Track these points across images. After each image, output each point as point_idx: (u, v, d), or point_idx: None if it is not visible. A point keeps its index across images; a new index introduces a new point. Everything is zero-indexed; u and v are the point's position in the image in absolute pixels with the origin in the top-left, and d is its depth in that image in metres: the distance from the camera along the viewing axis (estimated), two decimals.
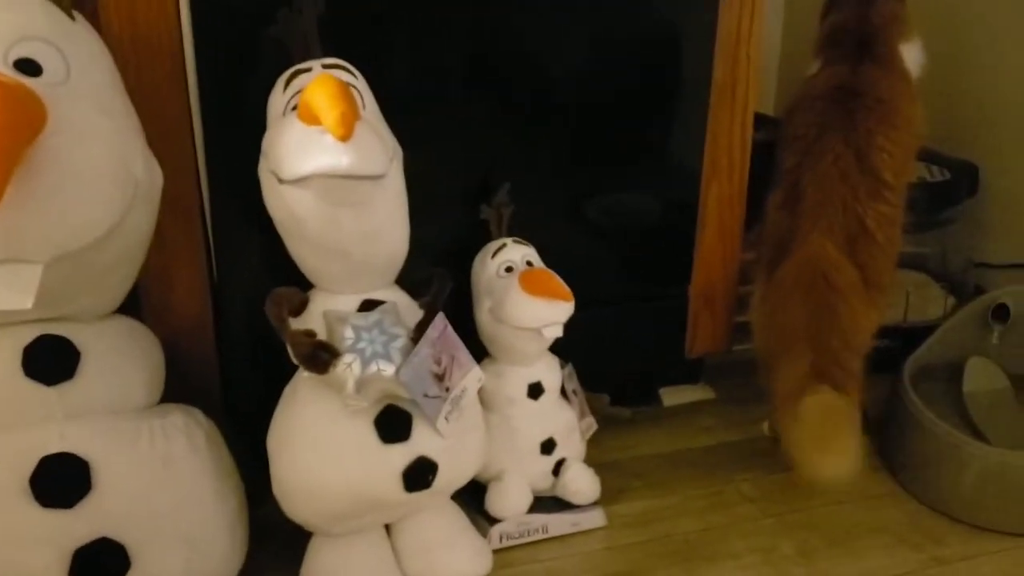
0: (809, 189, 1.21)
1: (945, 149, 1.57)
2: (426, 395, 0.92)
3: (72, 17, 0.87)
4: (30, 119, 0.77)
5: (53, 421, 0.86)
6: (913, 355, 1.36)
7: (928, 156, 1.51)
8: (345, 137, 0.82)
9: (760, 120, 1.36)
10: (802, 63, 1.36)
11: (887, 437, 1.32)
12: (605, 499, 1.19)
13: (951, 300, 1.55)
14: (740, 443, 1.37)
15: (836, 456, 1.07)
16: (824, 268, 1.17)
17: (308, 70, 0.92)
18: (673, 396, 1.46)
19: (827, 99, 1.25)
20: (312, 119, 0.85)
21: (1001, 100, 1.58)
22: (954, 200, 1.52)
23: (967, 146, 1.60)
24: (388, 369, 0.90)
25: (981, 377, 1.37)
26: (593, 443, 1.23)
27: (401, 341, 0.92)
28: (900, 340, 1.41)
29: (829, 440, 1.08)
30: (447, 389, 0.95)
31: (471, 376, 0.98)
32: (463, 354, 0.98)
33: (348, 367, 0.89)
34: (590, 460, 1.21)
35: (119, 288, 0.94)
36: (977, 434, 1.27)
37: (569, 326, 1.09)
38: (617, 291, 1.29)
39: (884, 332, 1.28)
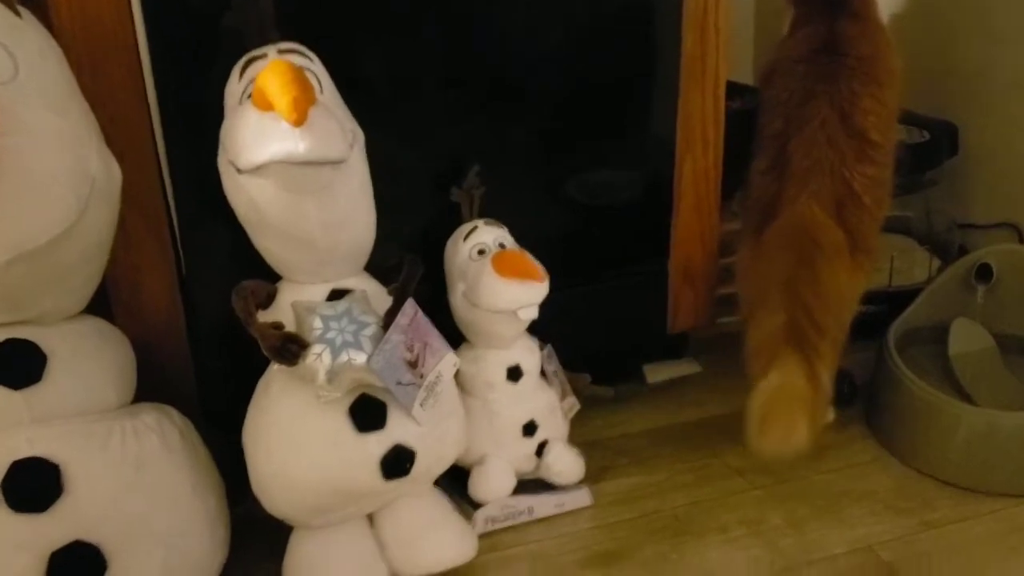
0: (795, 155, 1.20)
1: (923, 110, 1.55)
2: (399, 383, 0.91)
3: (18, 13, 0.86)
4: None
5: (21, 426, 0.85)
6: (898, 320, 1.35)
7: (906, 118, 1.49)
8: (298, 122, 0.81)
9: (735, 89, 1.34)
10: (778, 31, 1.34)
11: (874, 403, 1.31)
12: (591, 478, 1.19)
13: (936, 262, 1.54)
14: (727, 416, 1.35)
15: (775, 439, 1.06)
16: (810, 228, 1.16)
17: (263, 56, 0.90)
18: (657, 372, 1.45)
19: (808, 61, 1.22)
20: (266, 105, 0.83)
21: (978, 58, 1.57)
22: (935, 161, 1.51)
23: (946, 107, 1.58)
24: (359, 358, 0.89)
25: (966, 338, 1.36)
26: (578, 423, 1.22)
27: (371, 329, 0.91)
28: (886, 305, 1.41)
29: (772, 422, 1.07)
30: (421, 376, 0.93)
31: (445, 362, 0.97)
32: (436, 339, 0.97)
33: (318, 357, 0.88)
34: (575, 440, 1.20)
35: (83, 289, 0.93)
36: (964, 396, 1.26)
37: (548, 306, 1.08)
38: (596, 269, 1.27)
39: (869, 297, 1.27)
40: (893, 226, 1.57)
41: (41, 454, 0.84)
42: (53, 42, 0.89)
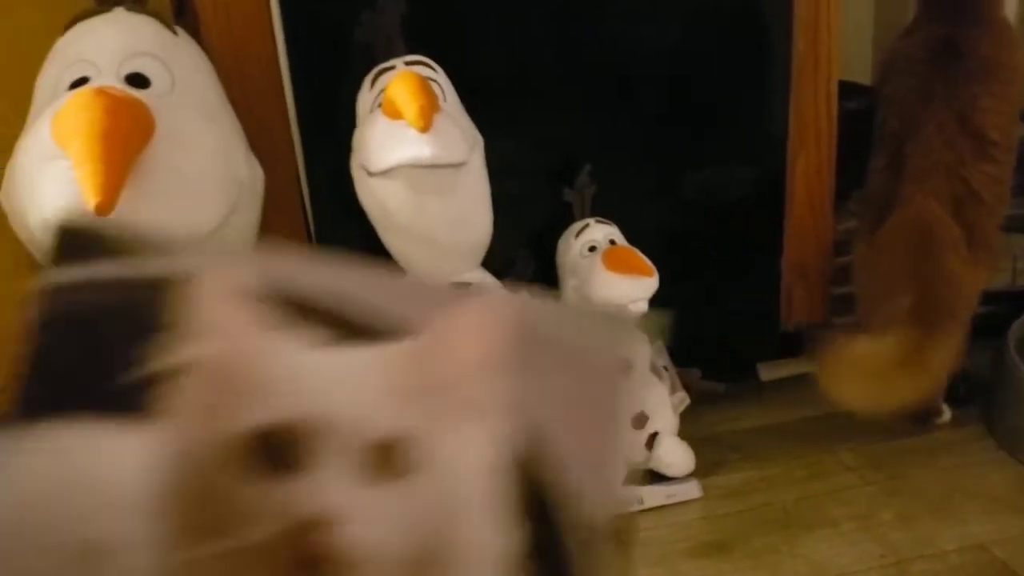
0: (912, 156, 1.20)
1: None
2: None
3: (175, 32, 0.95)
4: (140, 129, 0.84)
5: None
6: (1019, 319, 1.33)
7: None
8: (425, 129, 0.88)
9: (852, 89, 1.35)
10: (897, 30, 1.34)
11: (992, 403, 1.30)
12: (702, 472, 1.21)
13: None
14: (842, 414, 1.34)
15: (853, 394, 1.11)
16: (928, 224, 1.16)
17: (392, 68, 0.98)
18: (773, 370, 1.46)
19: (926, 62, 1.22)
20: (395, 113, 0.91)
21: None
22: None
23: None
24: None
25: None
26: (692, 418, 1.25)
27: None
28: (1009, 305, 1.38)
29: (856, 379, 1.11)
30: None
31: None
32: None
33: None
34: (688, 434, 1.23)
35: None
36: None
37: (661, 302, 1.11)
38: (708, 265, 1.30)
39: (993, 297, 1.26)
40: (1018, 225, 1.53)
41: None
42: (205, 57, 0.98)
